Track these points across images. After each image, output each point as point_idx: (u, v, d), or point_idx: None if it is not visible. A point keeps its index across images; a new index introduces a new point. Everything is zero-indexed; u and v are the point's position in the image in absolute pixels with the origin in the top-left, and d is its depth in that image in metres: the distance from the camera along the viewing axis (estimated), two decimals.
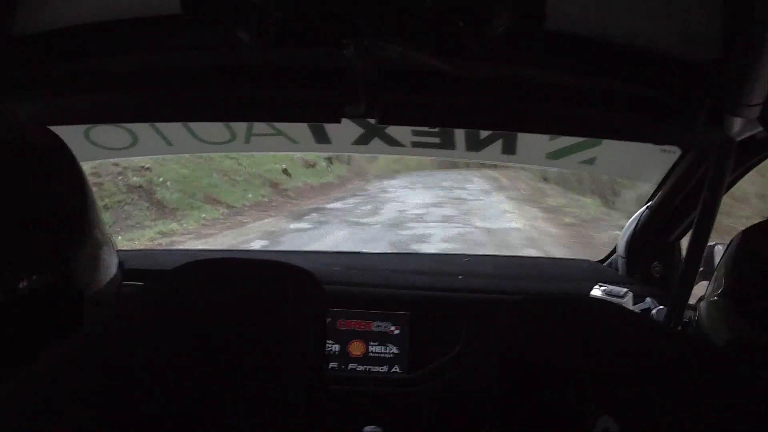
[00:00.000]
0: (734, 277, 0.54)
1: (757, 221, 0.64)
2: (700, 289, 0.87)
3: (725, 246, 0.63)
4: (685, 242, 1.44)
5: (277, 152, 1.58)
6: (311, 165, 12.20)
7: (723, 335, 0.54)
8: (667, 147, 1.28)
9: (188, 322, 0.41)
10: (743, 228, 0.66)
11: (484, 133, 1.37)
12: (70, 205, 0.52)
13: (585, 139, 1.35)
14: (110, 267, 0.55)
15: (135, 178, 7.87)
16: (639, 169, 1.44)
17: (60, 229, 0.49)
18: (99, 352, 0.37)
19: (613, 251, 1.61)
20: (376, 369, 1.28)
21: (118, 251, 0.61)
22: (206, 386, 0.36)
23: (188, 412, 0.34)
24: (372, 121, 1.26)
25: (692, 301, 0.93)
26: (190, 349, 0.38)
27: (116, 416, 0.32)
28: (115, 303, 0.46)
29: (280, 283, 0.50)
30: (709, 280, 0.62)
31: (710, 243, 1.04)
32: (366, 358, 1.28)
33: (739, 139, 0.95)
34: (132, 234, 6.82)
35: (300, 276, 0.52)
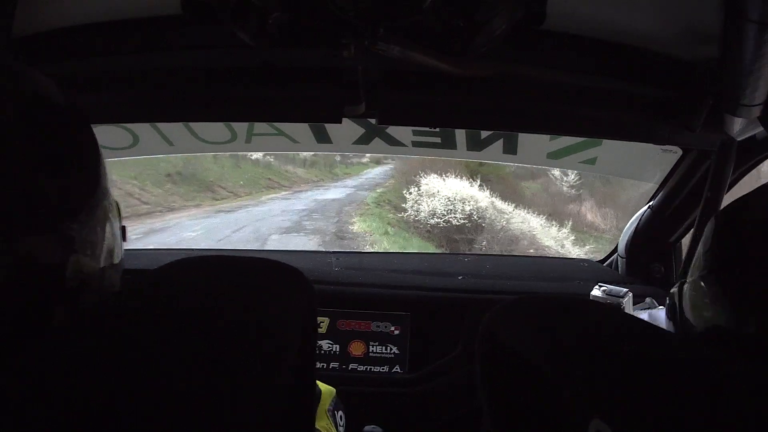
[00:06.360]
0: (715, 256, 0.53)
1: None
2: None
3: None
4: (685, 242, 1.44)
5: (278, 152, 1.58)
6: None
7: (704, 317, 0.52)
8: (668, 147, 1.28)
9: (170, 321, 0.41)
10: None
11: (484, 133, 1.37)
12: (86, 168, 0.48)
13: (586, 138, 1.35)
14: (117, 247, 0.49)
15: None
16: (640, 169, 1.44)
17: (72, 190, 0.44)
18: (84, 350, 0.37)
19: (614, 251, 1.61)
20: (377, 369, 1.28)
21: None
22: (189, 383, 0.36)
23: (171, 408, 0.34)
24: (372, 121, 1.26)
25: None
26: (173, 348, 0.38)
27: (99, 411, 0.32)
28: (100, 303, 0.45)
29: (265, 280, 0.50)
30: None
31: None
32: (366, 359, 1.28)
33: (739, 139, 0.95)
34: None
35: (287, 273, 0.52)
